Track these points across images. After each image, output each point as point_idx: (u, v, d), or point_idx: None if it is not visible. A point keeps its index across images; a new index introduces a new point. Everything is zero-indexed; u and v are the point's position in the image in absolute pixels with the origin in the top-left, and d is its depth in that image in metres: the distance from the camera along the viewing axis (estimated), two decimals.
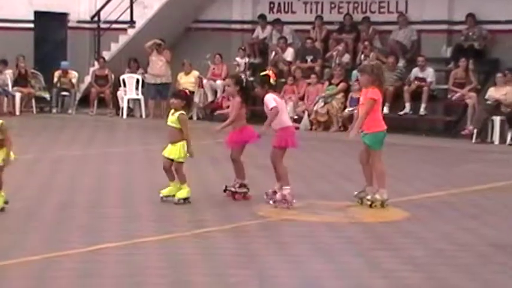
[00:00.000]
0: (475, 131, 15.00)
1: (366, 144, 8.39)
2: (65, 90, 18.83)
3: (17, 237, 6.66)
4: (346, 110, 16.61)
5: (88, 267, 5.78)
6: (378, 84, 8.31)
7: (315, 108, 16.73)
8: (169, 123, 8.26)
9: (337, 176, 10.64)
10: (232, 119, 8.58)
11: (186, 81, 18.27)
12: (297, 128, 16.62)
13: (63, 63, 19.08)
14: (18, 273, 5.66)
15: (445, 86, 16.31)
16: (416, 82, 16.15)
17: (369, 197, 8.28)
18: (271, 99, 8.38)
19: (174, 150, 8.13)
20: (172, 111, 8.29)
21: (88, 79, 19.34)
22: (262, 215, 7.80)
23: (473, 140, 14.89)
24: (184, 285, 5.42)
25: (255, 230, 7.20)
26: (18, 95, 18.17)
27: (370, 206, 8.19)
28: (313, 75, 17.17)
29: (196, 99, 18.22)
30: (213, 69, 18.53)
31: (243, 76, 16.77)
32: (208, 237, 6.75)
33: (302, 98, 17.13)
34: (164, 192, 8.21)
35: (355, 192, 8.44)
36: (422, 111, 16.04)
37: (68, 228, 7.08)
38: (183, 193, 8.13)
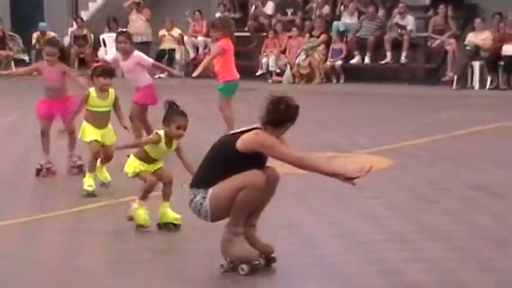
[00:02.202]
0: (455, 77, 15.14)
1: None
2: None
3: None
4: (328, 61, 16.69)
5: None
6: (229, 36, 8.77)
7: (296, 61, 16.78)
8: (100, 109, 6.91)
9: (319, 127, 10.74)
10: None
11: (168, 38, 18.22)
12: (280, 82, 16.79)
13: (41, 24, 18.94)
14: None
15: (425, 34, 16.39)
16: (397, 29, 16.20)
17: None
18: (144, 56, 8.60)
19: (111, 135, 7.02)
20: (95, 90, 6.88)
21: (67, 40, 19.22)
22: None
23: (454, 86, 15.05)
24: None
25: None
26: None
27: None
28: (294, 28, 17.18)
29: (177, 56, 18.22)
30: (194, 26, 18.47)
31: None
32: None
33: (284, 52, 17.16)
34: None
35: None
36: (403, 59, 16.14)
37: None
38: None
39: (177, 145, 5.61)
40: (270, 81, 16.90)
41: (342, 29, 16.86)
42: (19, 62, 18.66)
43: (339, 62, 16.59)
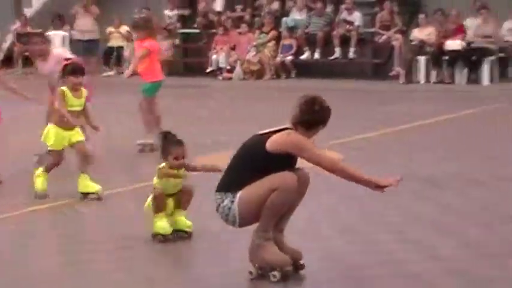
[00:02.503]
0: (402, 71, 15.43)
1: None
2: None
3: None
4: (279, 57, 16.83)
5: None
6: (153, 36, 8.82)
7: (247, 58, 16.88)
8: (74, 108, 6.66)
9: (271, 123, 10.80)
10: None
11: (116, 36, 18.13)
12: (230, 78, 16.88)
13: None
14: None
15: (372, 29, 16.65)
16: (345, 25, 16.42)
17: (140, 141, 8.56)
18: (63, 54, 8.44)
19: (78, 134, 6.79)
20: (66, 90, 6.60)
21: (10, 38, 18.93)
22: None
23: (401, 81, 15.34)
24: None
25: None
26: None
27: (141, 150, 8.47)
28: (243, 25, 17.27)
29: (126, 53, 18.13)
30: None
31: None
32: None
33: (233, 48, 17.23)
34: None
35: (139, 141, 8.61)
36: (351, 55, 16.37)
37: None
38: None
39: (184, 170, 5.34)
40: (220, 78, 16.97)
41: (291, 24, 17.02)
42: None
43: (289, 58, 16.75)
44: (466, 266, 4.78)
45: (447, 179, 7.17)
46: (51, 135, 6.57)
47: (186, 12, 18.71)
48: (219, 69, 17.13)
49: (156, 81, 8.74)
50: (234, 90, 15.57)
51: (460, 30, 15.26)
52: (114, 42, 18.15)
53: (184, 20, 18.70)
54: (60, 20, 18.47)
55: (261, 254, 4.48)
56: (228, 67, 17.03)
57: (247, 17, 17.74)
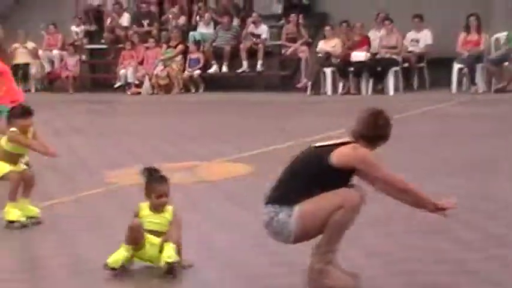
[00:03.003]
0: (309, 83, 15.75)
1: None
2: None
3: None
4: (187, 71, 16.89)
5: None
6: (2, 56, 8.94)
7: (155, 72, 16.88)
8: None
9: (180, 137, 10.90)
10: None
11: (22, 52, 17.79)
12: (139, 93, 16.83)
13: None
14: None
15: (279, 42, 16.93)
16: (252, 38, 16.64)
17: None
18: None
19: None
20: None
21: None
22: (109, 181, 7.92)
23: (308, 93, 15.64)
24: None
25: (103, 197, 7.31)
26: None
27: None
28: (150, 39, 17.27)
29: (33, 70, 17.83)
30: (48, 39, 18.15)
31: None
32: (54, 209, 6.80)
33: (141, 63, 17.20)
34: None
35: None
36: (259, 68, 16.59)
37: None
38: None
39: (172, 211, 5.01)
40: (128, 92, 16.90)
41: (198, 38, 17.12)
42: None
43: (197, 72, 16.83)
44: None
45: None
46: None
47: (93, 27, 18.55)
48: (128, 84, 17.06)
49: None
50: (142, 105, 15.54)
51: (364, 42, 15.69)
52: (20, 59, 17.79)
53: (91, 36, 18.53)
54: None
55: (325, 280, 4.20)
56: (136, 82, 16.98)
57: (154, 31, 17.74)
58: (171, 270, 4.75)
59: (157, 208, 4.96)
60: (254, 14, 16.78)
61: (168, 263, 4.75)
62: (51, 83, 18.26)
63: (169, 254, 4.77)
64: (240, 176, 8.16)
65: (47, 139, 10.76)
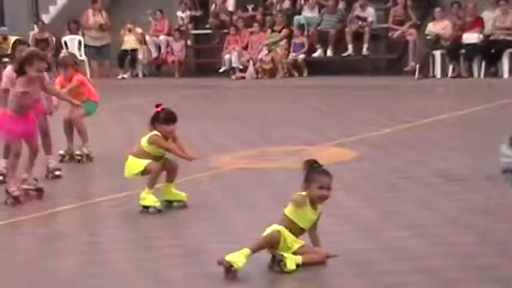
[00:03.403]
0: (417, 66, 15.33)
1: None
2: (6, 56, 18.49)
3: None
4: (291, 56, 16.77)
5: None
6: (79, 71, 8.62)
7: (259, 57, 16.84)
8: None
9: (286, 121, 10.81)
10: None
11: (129, 39, 18.16)
12: (243, 78, 16.85)
13: (2, 29, 18.63)
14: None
15: (385, 25, 16.55)
16: (358, 22, 16.34)
17: (77, 152, 8.31)
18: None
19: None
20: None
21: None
22: (214, 166, 7.90)
23: (416, 76, 15.23)
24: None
25: (210, 180, 7.30)
26: None
27: (79, 161, 8.20)
28: (255, 24, 17.23)
29: (140, 56, 18.16)
30: (155, 25, 18.42)
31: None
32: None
33: (246, 48, 17.20)
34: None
35: (61, 151, 8.29)
36: (364, 51, 16.28)
37: None
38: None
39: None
40: (233, 77, 16.94)
41: (302, 22, 16.96)
42: None
43: (302, 56, 16.68)
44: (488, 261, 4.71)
45: (464, 175, 7.08)
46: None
47: (198, 13, 18.71)
48: (232, 69, 17.10)
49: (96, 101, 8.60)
50: (247, 90, 15.54)
51: (477, 23, 15.14)
52: (128, 45, 18.17)
53: (197, 21, 18.69)
54: (76, 24, 18.53)
55: None
56: (241, 67, 17.00)
57: (258, 16, 17.70)
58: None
59: (318, 200, 4.81)
60: None
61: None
62: (157, 68, 18.55)
63: (297, 262, 4.68)
64: (346, 160, 8.00)
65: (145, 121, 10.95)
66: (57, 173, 7.49)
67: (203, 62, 19.06)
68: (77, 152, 8.24)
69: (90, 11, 18.41)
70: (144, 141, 6.24)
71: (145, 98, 13.05)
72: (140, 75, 18.15)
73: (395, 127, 9.78)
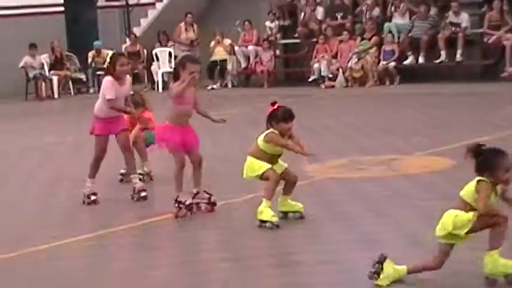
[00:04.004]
0: None
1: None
2: (100, 69, 18.97)
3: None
4: (381, 63, 16.52)
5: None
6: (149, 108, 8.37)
7: (349, 65, 16.65)
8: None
9: (377, 130, 10.61)
10: None
11: (219, 49, 18.33)
12: (333, 86, 16.69)
13: (96, 43, 19.21)
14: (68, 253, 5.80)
15: (480, 30, 16.08)
16: (451, 28, 15.94)
17: (140, 171, 7.90)
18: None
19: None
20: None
21: None
22: (307, 175, 7.81)
23: None
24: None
25: (302, 190, 7.22)
26: (55, 79, 18.42)
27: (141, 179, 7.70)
28: (344, 32, 17.06)
29: (229, 66, 18.28)
30: (244, 35, 18.52)
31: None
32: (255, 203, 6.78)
33: (335, 56, 17.05)
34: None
35: (122, 171, 7.98)
36: (458, 57, 15.85)
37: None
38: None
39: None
40: (322, 86, 16.81)
41: (393, 29, 16.68)
42: (76, 81, 18.98)
43: (392, 64, 16.40)
44: None
45: None
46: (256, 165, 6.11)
47: (287, 22, 18.69)
48: (321, 78, 16.98)
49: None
50: (337, 98, 15.37)
51: None
52: (217, 56, 18.34)
53: (285, 31, 18.67)
54: (166, 36, 18.84)
55: None
56: (330, 75, 16.85)
57: (348, 24, 17.53)
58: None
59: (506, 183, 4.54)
60: (454, 4, 16.03)
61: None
62: (246, 78, 18.63)
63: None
64: (441, 169, 7.76)
65: (242, 131, 10.94)
66: (142, 194, 7.19)
67: (292, 71, 19.02)
68: (139, 171, 7.85)
69: (183, 26, 18.67)
70: (260, 140, 6.11)
71: (236, 109, 13.11)
72: (229, 85, 18.26)
73: (493, 135, 9.43)
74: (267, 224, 5.96)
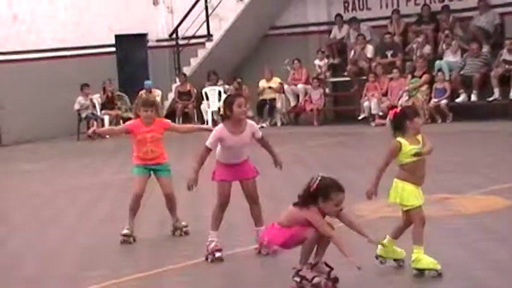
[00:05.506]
0: None
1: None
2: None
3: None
4: (432, 101, 16.34)
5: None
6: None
7: (399, 103, 16.50)
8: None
9: (429, 169, 10.41)
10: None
11: (268, 88, 18.39)
12: (383, 124, 16.54)
13: (147, 82, 19.45)
14: None
15: None
16: (505, 66, 15.71)
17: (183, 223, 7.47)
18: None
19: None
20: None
21: (171, 96, 19.68)
22: (359, 214, 7.70)
23: None
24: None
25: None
26: (106, 118, 18.67)
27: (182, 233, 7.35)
28: (395, 70, 16.96)
29: (278, 105, 18.30)
30: (293, 74, 18.55)
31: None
32: None
33: (385, 94, 16.94)
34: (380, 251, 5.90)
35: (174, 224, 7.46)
36: None
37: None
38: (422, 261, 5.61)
39: None
40: (373, 124, 16.68)
41: (444, 67, 16.51)
42: (127, 121, 19.17)
43: (444, 101, 16.22)
44: None
45: None
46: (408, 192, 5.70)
47: (336, 60, 18.68)
48: (371, 116, 16.86)
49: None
50: (388, 136, 15.18)
51: None
52: (266, 94, 18.41)
53: (334, 69, 18.66)
54: (215, 76, 18.98)
55: None
56: (381, 113, 16.72)
57: (398, 62, 17.43)
58: None
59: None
60: (508, 42, 15.81)
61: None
62: (296, 116, 18.61)
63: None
64: (497, 209, 7.57)
65: (292, 170, 10.86)
66: (217, 254, 6.40)
67: (342, 109, 18.95)
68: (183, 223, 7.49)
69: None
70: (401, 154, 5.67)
71: (284, 147, 13.06)
72: (279, 124, 18.26)
73: None
74: (431, 273, 5.50)
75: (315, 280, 5.39)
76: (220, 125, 6.40)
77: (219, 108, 6.81)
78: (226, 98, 6.51)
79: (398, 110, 5.75)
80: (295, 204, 5.45)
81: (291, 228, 5.39)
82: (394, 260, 5.83)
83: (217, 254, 6.31)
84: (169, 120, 7.90)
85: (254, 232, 6.51)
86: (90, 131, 7.51)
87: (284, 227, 5.44)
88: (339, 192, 5.38)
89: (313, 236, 5.35)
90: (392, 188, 5.73)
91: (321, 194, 5.35)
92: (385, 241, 5.80)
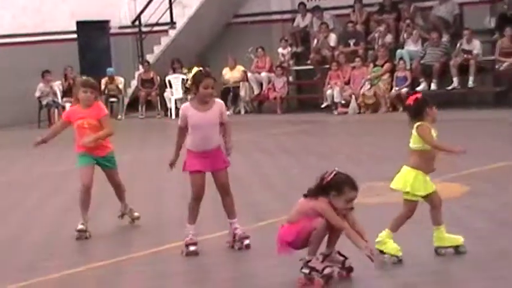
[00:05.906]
0: None
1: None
2: (113, 96, 19.12)
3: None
4: (394, 90, 16.55)
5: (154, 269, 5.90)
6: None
7: (361, 92, 16.70)
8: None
9: (392, 156, 10.58)
10: None
11: (231, 76, 18.42)
12: (346, 113, 16.73)
13: (109, 70, 19.35)
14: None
15: (492, 57, 16.11)
16: (463, 55, 15.98)
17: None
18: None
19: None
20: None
21: (134, 83, 19.60)
22: None
23: None
24: None
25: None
26: (68, 106, 18.52)
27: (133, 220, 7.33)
28: (357, 59, 17.13)
29: (242, 93, 18.36)
30: (257, 62, 18.62)
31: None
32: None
33: (348, 82, 17.11)
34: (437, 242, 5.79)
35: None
36: (470, 84, 15.87)
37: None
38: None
39: None
40: (335, 112, 16.85)
41: (405, 56, 16.73)
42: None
43: (405, 90, 16.43)
44: None
45: None
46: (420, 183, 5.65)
47: (299, 49, 18.79)
48: (334, 104, 17.03)
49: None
50: (350, 125, 15.40)
51: None
52: (230, 82, 18.43)
53: (298, 57, 18.77)
54: (179, 63, 18.94)
55: None
56: (343, 102, 16.90)
57: (360, 51, 17.60)
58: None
59: None
60: (466, 31, 16.09)
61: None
62: (259, 104, 18.70)
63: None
64: (457, 196, 7.74)
65: (254, 158, 10.92)
66: (246, 242, 6.25)
67: (305, 97, 19.09)
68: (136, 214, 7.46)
69: None
70: (412, 140, 5.61)
71: (247, 135, 13.13)
72: (242, 112, 18.33)
73: (506, 162, 9.42)
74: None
75: (326, 271, 5.18)
76: (187, 103, 6.25)
77: (186, 80, 6.52)
78: (195, 74, 6.17)
79: (419, 95, 5.63)
80: (305, 196, 5.34)
81: (299, 223, 5.23)
82: (453, 248, 5.65)
83: (191, 248, 6.11)
84: (107, 111, 7.29)
85: (228, 225, 6.35)
86: (37, 141, 7.32)
87: (293, 223, 5.29)
88: (353, 189, 5.26)
89: (321, 226, 5.18)
90: (402, 175, 5.65)
91: (334, 187, 5.23)
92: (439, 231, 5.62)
